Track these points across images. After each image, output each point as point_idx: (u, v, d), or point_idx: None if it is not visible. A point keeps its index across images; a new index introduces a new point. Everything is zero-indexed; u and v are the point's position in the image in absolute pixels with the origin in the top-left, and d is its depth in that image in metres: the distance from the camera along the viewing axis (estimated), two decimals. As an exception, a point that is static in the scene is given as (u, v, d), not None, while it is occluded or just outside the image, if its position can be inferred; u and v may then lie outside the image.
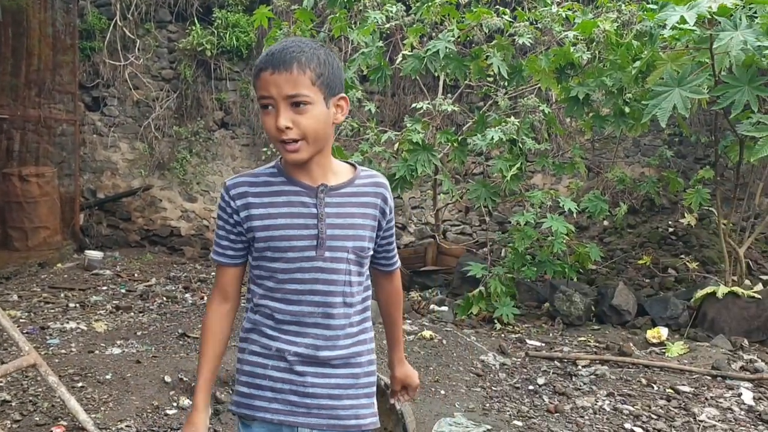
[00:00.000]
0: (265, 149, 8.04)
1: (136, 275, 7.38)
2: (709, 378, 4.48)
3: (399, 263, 2.03)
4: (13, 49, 8.43)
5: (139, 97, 8.73)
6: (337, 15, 5.70)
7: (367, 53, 5.50)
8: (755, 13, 4.46)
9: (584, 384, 4.41)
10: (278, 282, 1.75)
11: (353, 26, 5.72)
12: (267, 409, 1.77)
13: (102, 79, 8.72)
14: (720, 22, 4.21)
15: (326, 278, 1.74)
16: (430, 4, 5.36)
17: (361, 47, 5.61)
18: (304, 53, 1.63)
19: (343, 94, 1.73)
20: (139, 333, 5.33)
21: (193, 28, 8.40)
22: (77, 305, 6.10)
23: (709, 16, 4.23)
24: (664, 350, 5.06)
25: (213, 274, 7.60)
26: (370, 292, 1.88)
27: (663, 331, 5.32)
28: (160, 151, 8.75)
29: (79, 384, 4.06)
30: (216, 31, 8.40)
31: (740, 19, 4.13)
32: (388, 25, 5.60)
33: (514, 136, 5.43)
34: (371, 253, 1.84)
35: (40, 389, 3.97)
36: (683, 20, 4.14)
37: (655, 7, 4.81)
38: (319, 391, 1.76)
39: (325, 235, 1.72)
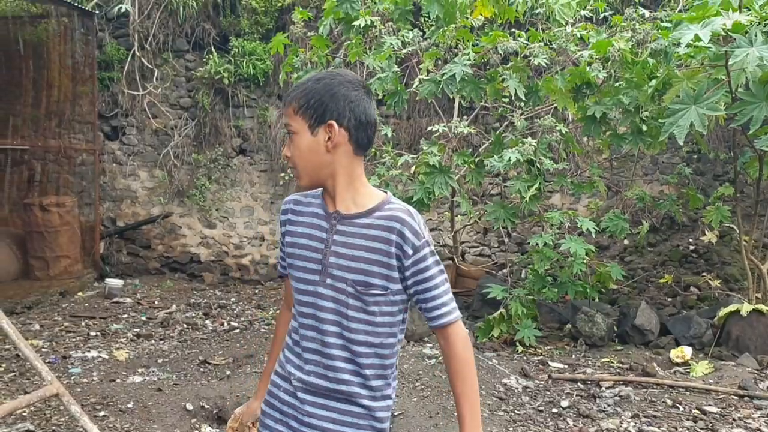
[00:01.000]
0: (282, 174, 8.09)
1: (156, 302, 7.42)
2: (735, 398, 4.41)
3: (450, 319, 1.75)
4: (34, 81, 8.59)
5: (158, 125, 8.83)
6: (353, 41, 5.75)
7: (383, 78, 5.53)
8: (771, 28, 4.44)
9: (608, 406, 4.35)
10: (296, 302, 1.82)
11: (369, 52, 5.77)
12: (273, 429, 1.83)
13: (121, 108, 8.84)
14: (735, 39, 4.20)
15: (324, 305, 1.74)
16: (445, 28, 5.39)
17: (377, 72, 5.65)
18: (297, 87, 1.75)
19: (331, 121, 1.70)
20: (160, 360, 5.34)
21: (211, 56, 8.51)
22: (98, 334, 6.13)
23: (723, 33, 4.22)
24: (688, 370, 4.99)
25: (233, 299, 7.63)
26: (393, 339, 1.77)
27: (687, 351, 5.25)
28: (179, 178, 8.83)
29: (101, 413, 4.08)
30: (233, 60, 8.50)
31: (755, 36, 4.11)
32: (404, 51, 5.64)
33: (532, 157, 5.42)
34: (384, 293, 1.71)
35: (63, 419, 3.99)
36: (698, 38, 4.13)
37: (669, 25, 4.81)
38: (316, 422, 1.75)
39: (328, 262, 1.74)
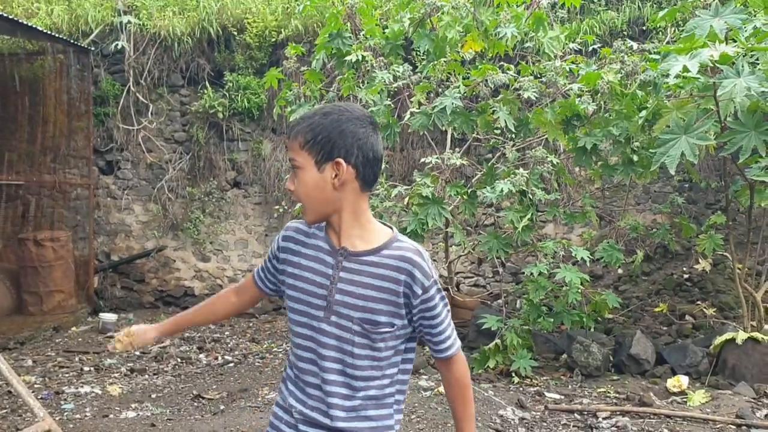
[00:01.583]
0: (277, 207, 8.11)
1: (150, 337, 7.37)
2: (733, 427, 4.39)
3: (454, 351, 1.83)
4: (30, 117, 8.64)
5: (153, 159, 8.87)
6: (346, 75, 5.82)
7: (375, 111, 5.59)
8: (757, 59, 4.52)
9: (605, 437, 4.32)
10: (294, 335, 1.79)
11: (361, 85, 5.83)
12: None
13: (116, 143, 8.89)
14: (722, 70, 4.26)
15: (327, 342, 1.72)
16: (435, 62, 5.46)
17: (369, 105, 5.72)
18: (303, 120, 1.71)
19: (339, 159, 1.68)
20: (153, 395, 5.30)
21: (205, 91, 8.59)
22: (92, 369, 6.08)
23: (711, 65, 4.29)
24: (685, 399, 4.97)
25: (227, 333, 7.59)
26: (394, 369, 1.78)
27: (683, 380, 5.23)
28: (174, 212, 8.84)
29: (94, 449, 4.03)
30: (227, 94, 8.58)
31: (742, 67, 4.18)
32: (395, 84, 5.71)
33: (524, 187, 5.46)
34: (391, 331, 1.72)
35: (55, 456, 3.93)
36: (686, 69, 4.20)
37: (657, 57, 4.88)
38: None
39: (333, 299, 1.71)
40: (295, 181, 1.71)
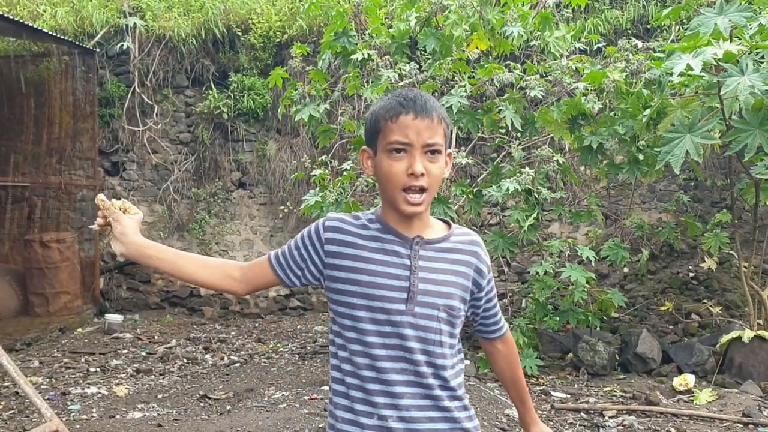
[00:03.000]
0: (282, 207, 8.12)
1: (156, 337, 7.39)
2: (740, 426, 4.38)
3: (507, 325, 1.93)
4: (35, 118, 8.67)
5: (158, 160, 8.89)
6: (351, 74, 5.82)
7: (380, 110, 5.58)
8: (762, 58, 4.51)
9: (612, 435, 4.32)
10: (363, 334, 1.65)
11: (366, 85, 5.84)
12: None
13: (121, 144, 8.91)
14: (727, 68, 4.25)
15: (415, 335, 1.64)
16: (442, 61, 5.46)
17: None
18: (437, 104, 1.65)
19: (450, 151, 1.71)
20: (159, 396, 5.31)
21: (210, 92, 8.60)
22: (98, 369, 6.10)
23: (715, 63, 4.28)
24: (692, 398, 4.96)
25: (233, 333, 7.60)
26: (463, 364, 1.77)
27: (690, 378, 5.23)
28: (179, 212, 8.86)
29: (102, 449, 4.05)
30: (232, 95, 8.59)
31: (746, 65, 4.17)
32: (401, 83, 5.71)
33: (530, 186, 5.46)
34: (463, 315, 1.74)
35: (62, 456, 3.95)
36: (690, 67, 4.19)
37: (662, 55, 4.87)
38: None
39: (416, 288, 1.64)
40: (431, 165, 1.61)
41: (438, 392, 1.66)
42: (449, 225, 1.77)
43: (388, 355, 1.64)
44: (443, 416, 1.67)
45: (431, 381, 1.65)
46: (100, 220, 1.79)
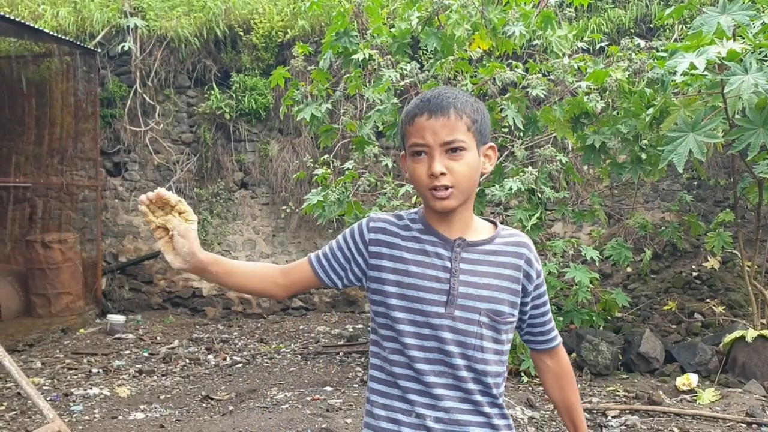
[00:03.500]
0: (284, 207, 8.11)
1: (158, 338, 7.39)
2: (743, 425, 4.36)
3: (560, 339, 1.84)
4: (37, 119, 8.67)
5: (160, 161, 8.89)
6: (353, 74, 5.81)
7: (382, 110, 5.58)
8: (765, 56, 4.49)
9: (616, 436, 4.31)
10: (402, 335, 1.63)
11: (368, 84, 5.82)
12: None
13: (123, 144, 8.90)
14: (730, 67, 4.24)
15: (454, 339, 1.60)
16: (443, 60, 5.45)
17: (376, 104, 5.70)
18: (458, 99, 1.60)
19: (492, 144, 1.67)
20: (162, 397, 5.31)
21: (212, 92, 8.60)
22: (100, 370, 6.10)
23: (718, 62, 4.27)
24: (695, 397, 4.95)
25: (235, 334, 7.59)
26: (506, 372, 1.72)
27: (693, 378, 5.21)
28: (181, 213, 8.84)
29: (104, 450, 4.04)
30: (234, 95, 8.59)
31: (750, 64, 4.15)
32: (402, 83, 5.69)
33: (533, 186, 5.44)
34: (512, 320, 1.68)
35: (65, 457, 3.94)
36: (693, 66, 4.17)
37: (665, 54, 4.85)
38: None
39: (456, 291, 1.61)
40: (453, 163, 1.57)
41: (478, 397, 1.63)
42: (496, 225, 1.73)
43: (426, 357, 1.62)
44: (482, 422, 1.64)
45: (471, 386, 1.62)
46: (163, 240, 1.70)
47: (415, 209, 1.73)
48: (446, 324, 1.60)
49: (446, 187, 1.57)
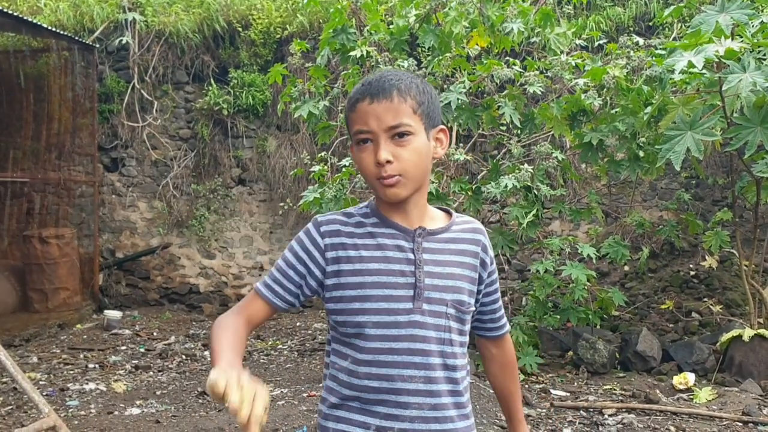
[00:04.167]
0: (281, 204, 8.10)
1: (155, 334, 7.38)
2: (740, 424, 4.37)
3: (508, 327, 1.78)
4: (34, 114, 8.65)
5: (157, 156, 8.87)
6: (350, 71, 5.80)
7: (379, 107, 5.56)
8: (764, 55, 4.49)
9: (611, 434, 4.31)
10: (367, 340, 1.52)
11: (366, 81, 5.80)
12: None
13: (120, 140, 8.89)
14: (728, 65, 4.23)
15: (425, 335, 1.51)
16: (441, 57, 5.44)
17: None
18: (402, 81, 1.50)
19: (443, 126, 1.57)
20: (158, 392, 5.30)
21: (210, 88, 8.58)
22: (96, 366, 6.09)
23: (716, 60, 4.26)
24: (691, 396, 4.95)
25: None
26: (469, 365, 1.65)
27: (690, 377, 5.21)
28: (179, 209, 8.84)
29: (99, 446, 4.04)
30: (232, 91, 8.57)
31: (748, 62, 4.14)
32: (400, 79, 5.68)
33: (529, 183, 5.43)
34: (472, 310, 1.62)
35: (59, 452, 3.93)
36: (691, 65, 4.17)
37: (663, 52, 4.85)
38: None
39: (423, 284, 1.52)
40: (399, 149, 1.47)
41: (446, 399, 1.54)
42: (450, 214, 1.66)
43: (394, 361, 1.51)
44: (444, 429, 1.55)
45: (442, 386, 1.54)
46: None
47: (365, 203, 1.63)
48: (415, 320, 1.51)
49: (393, 176, 1.47)
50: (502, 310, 1.75)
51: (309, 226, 1.60)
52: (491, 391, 5.02)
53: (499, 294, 1.72)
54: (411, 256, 1.53)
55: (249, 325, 1.61)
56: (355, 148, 1.52)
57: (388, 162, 1.46)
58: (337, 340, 1.59)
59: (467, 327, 1.60)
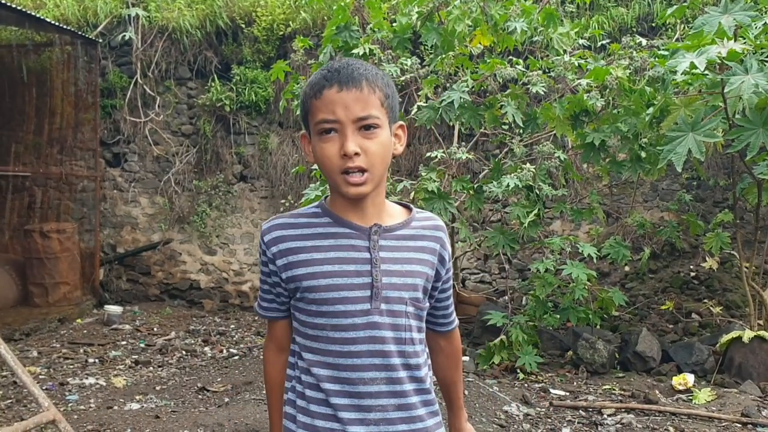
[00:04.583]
0: (283, 201, 8.11)
1: (155, 329, 7.39)
2: (739, 425, 4.37)
3: (457, 321, 1.78)
4: (37, 108, 8.66)
5: (159, 152, 8.88)
6: (352, 68, 5.80)
7: (382, 105, 5.56)
8: (766, 57, 4.49)
9: (610, 434, 4.31)
10: (327, 342, 1.49)
11: (368, 79, 5.80)
12: None
13: (123, 135, 8.89)
14: (731, 67, 4.23)
15: (384, 336, 1.48)
16: (444, 56, 5.44)
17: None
18: (369, 71, 1.43)
19: (402, 123, 1.53)
20: (158, 388, 5.31)
21: (213, 84, 8.58)
22: (96, 360, 6.10)
23: (719, 62, 4.26)
24: (690, 397, 4.95)
25: (232, 326, 7.59)
26: (429, 360, 1.64)
27: (689, 378, 5.21)
28: (180, 205, 8.85)
29: (99, 440, 4.05)
30: (235, 87, 8.57)
31: (751, 64, 4.14)
32: (402, 78, 5.68)
33: (531, 183, 5.44)
34: (427, 306, 1.59)
35: (59, 446, 3.94)
36: (693, 66, 4.17)
37: (666, 53, 4.85)
38: None
39: (380, 283, 1.47)
40: (367, 142, 1.41)
41: (413, 399, 1.53)
42: (410, 209, 1.60)
43: (353, 364, 1.48)
44: (417, 427, 1.54)
45: (407, 386, 1.52)
46: None
47: (314, 204, 1.58)
48: (374, 321, 1.47)
49: (362, 171, 1.42)
50: (453, 306, 1.74)
51: (261, 235, 1.57)
52: (490, 390, 5.03)
53: (452, 290, 1.71)
54: (367, 255, 1.48)
55: (281, 349, 1.65)
56: (316, 139, 1.45)
57: (356, 154, 1.40)
58: (298, 342, 1.57)
59: (424, 324, 1.59)
